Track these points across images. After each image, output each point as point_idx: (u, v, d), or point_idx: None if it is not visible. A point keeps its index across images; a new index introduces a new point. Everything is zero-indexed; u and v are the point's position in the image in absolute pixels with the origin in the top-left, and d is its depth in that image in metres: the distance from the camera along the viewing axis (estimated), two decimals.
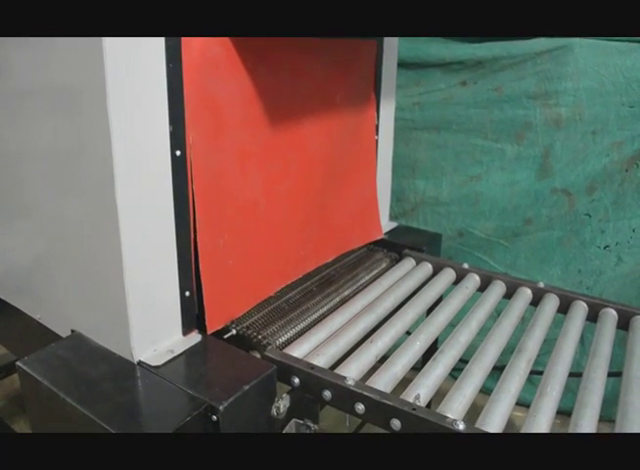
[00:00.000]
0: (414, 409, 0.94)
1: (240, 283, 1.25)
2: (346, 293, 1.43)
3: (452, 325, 1.33)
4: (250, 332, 1.20)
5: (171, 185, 1.06)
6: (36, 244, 1.25)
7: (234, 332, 1.19)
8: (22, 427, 1.94)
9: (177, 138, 1.05)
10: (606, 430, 1.00)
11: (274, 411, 1.04)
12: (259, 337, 1.18)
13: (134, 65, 0.95)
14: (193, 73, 1.06)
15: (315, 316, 1.31)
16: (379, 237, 1.74)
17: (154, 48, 0.97)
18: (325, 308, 1.35)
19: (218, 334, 1.19)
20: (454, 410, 0.98)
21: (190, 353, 1.10)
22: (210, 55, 1.09)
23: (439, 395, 1.08)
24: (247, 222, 1.26)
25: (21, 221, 1.28)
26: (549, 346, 1.26)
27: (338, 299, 1.40)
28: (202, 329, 1.18)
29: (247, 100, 1.21)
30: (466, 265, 1.57)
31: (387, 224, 1.82)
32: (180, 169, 1.07)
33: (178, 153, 1.06)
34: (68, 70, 0.99)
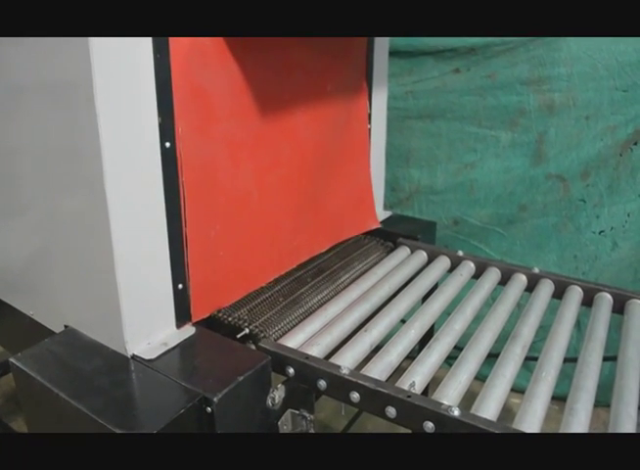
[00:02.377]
0: (409, 397, 0.94)
1: (231, 273, 1.24)
2: (341, 282, 1.43)
3: (448, 313, 1.32)
4: (244, 323, 1.20)
5: (161, 177, 1.06)
6: (28, 241, 1.24)
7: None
8: (20, 425, 1.94)
9: (166, 129, 1.05)
10: (603, 415, 1.00)
11: (269, 402, 1.04)
12: (253, 328, 1.18)
13: (121, 55, 0.94)
14: (181, 63, 1.05)
15: (310, 306, 1.30)
16: (374, 227, 1.73)
17: (141, 38, 0.96)
18: (319, 298, 1.34)
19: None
20: (449, 397, 0.98)
21: (184, 346, 1.10)
22: (199, 44, 1.08)
23: (437, 383, 1.07)
24: (239, 213, 1.25)
25: (12, 219, 1.27)
26: (545, 332, 1.26)
27: (332, 288, 1.39)
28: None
29: (236, 90, 1.20)
30: (461, 253, 1.57)
31: (381, 213, 1.81)
32: (170, 161, 1.06)
33: (168, 144, 1.05)
34: (54, 64, 0.98)
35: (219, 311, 1.23)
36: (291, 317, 1.25)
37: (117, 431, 0.87)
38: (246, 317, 1.22)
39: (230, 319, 1.21)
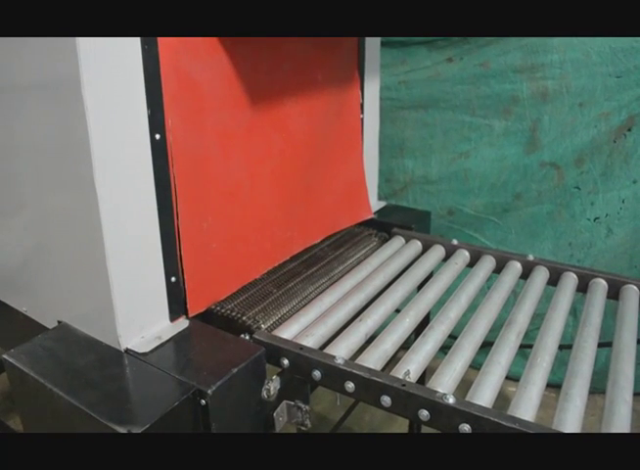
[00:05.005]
0: (404, 385, 0.93)
1: (224, 266, 1.24)
2: (336, 273, 1.42)
3: (443, 302, 1.32)
4: (238, 315, 1.19)
5: (152, 170, 1.05)
6: (21, 237, 1.23)
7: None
8: (17, 423, 1.94)
9: (156, 121, 1.04)
10: (600, 401, 1.00)
11: (264, 393, 1.03)
12: (248, 320, 1.17)
13: (108, 48, 0.93)
14: (170, 55, 1.04)
15: (304, 297, 1.30)
16: (368, 217, 1.73)
17: None
18: (314, 289, 1.33)
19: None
20: (445, 385, 0.98)
21: (178, 339, 1.10)
22: None
23: (433, 372, 1.07)
24: (231, 205, 1.24)
25: (4, 216, 1.26)
26: (540, 321, 1.25)
27: (327, 279, 1.39)
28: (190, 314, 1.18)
29: (226, 80, 1.19)
30: (455, 242, 1.56)
31: (375, 204, 1.81)
32: (160, 153, 1.06)
33: (157, 136, 1.04)
34: (41, 60, 0.96)
35: (215, 305, 1.23)
36: (285, 308, 1.24)
37: (112, 425, 0.86)
38: (240, 310, 1.21)
39: (225, 312, 1.21)
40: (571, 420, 0.91)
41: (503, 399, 1.02)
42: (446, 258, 1.55)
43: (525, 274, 1.45)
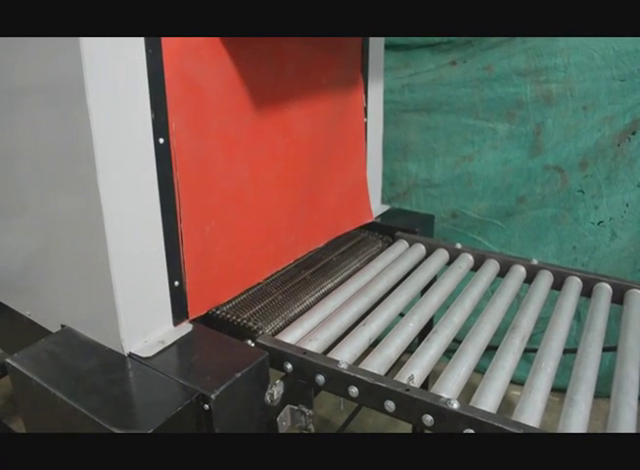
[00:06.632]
0: (407, 390, 0.93)
1: (227, 270, 1.24)
2: (339, 277, 1.42)
3: (447, 306, 1.32)
4: (240, 320, 1.19)
5: (155, 174, 1.05)
6: (25, 241, 1.23)
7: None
8: (20, 426, 1.93)
9: (160, 125, 1.04)
10: (604, 406, 1.00)
11: (268, 398, 1.03)
12: (251, 324, 1.17)
13: (112, 52, 0.93)
14: (174, 58, 1.04)
15: (308, 302, 1.29)
16: (369, 220, 1.72)
17: None
18: (317, 294, 1.33)
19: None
20: (449, 390, 0.98)
21: (181, 344, 1.09)
22: (191, 39, 1.07)
23: (437, 376, 1.07)
24: (234, 209, 1.24)
25: (8, 219, 1.26)
26: (545, 324, 1.25)
27: (330, 283, 1.38)
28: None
29: (230, 84, 1.19)
30: (459, 245, 1.56)
31: (379, 207, 1.81)
32: (164, 157, 1.06)
33: (161, 140, 1.04)
34: (45, 62, 0.97)
35: (217, 309, 1.23)
36: (288, 313, 1.24)
37: (115, 430, 0.86)
38: (243, 314, 1.21)
39: (229, 316, 1.20)
40: (575, 425, 0.91)
41: (507, 403, 1.02)
42: (450, 262, 1.55)
43: (530, 278, 1.44)
